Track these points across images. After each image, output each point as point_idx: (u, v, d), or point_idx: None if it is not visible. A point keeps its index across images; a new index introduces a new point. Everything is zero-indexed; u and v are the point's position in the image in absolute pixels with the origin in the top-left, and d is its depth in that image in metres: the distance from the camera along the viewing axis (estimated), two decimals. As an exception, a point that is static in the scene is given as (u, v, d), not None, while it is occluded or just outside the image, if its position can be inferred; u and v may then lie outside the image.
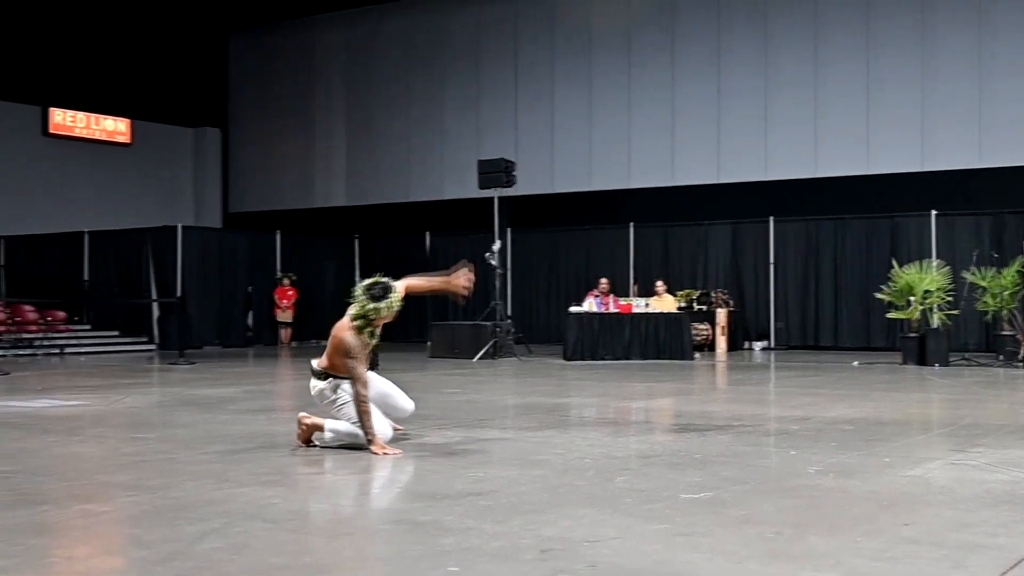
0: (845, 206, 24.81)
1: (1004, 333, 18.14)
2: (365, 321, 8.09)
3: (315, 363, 8.38)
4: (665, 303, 21.54)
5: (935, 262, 20.29)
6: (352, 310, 8.14)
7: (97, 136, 34.38)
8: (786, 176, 26.33)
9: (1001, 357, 18.03)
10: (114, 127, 34.75)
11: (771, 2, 26.77)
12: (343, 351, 8.02)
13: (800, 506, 5.86)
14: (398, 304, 8.21)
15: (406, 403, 8.65)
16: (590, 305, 20.76)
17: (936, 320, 18.61)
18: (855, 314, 24.05)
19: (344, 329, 8.12)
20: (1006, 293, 18.07)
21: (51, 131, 33.44)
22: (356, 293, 8.16)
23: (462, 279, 8.73)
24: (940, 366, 17.90)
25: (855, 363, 19.07)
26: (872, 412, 10.70)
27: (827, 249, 24.60)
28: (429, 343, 22.37)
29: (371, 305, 8.03)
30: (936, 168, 24.60)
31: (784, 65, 26.56)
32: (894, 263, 20.40)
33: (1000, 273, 18.40)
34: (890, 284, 19.58)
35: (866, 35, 25.48)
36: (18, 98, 32.73)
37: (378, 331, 8.29)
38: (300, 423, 8.35)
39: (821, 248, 24.66)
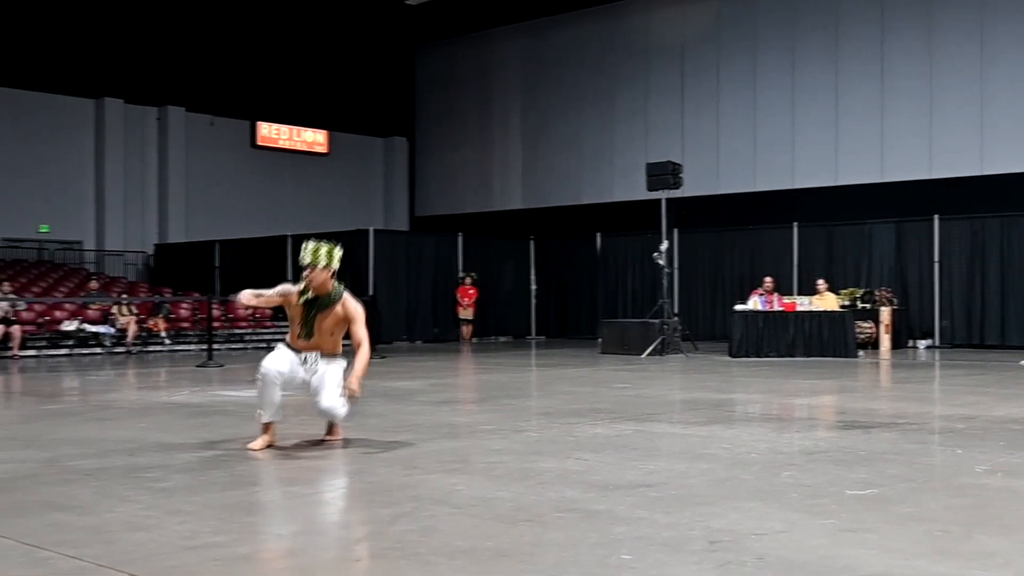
0: (1012, 203, 23.82)
1: None
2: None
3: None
4: (828, 302, 21.14)
5: None
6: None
7: (298, 147, 35.25)
8: (951, 174, 25.53)
9: None
10: (313, 138, 35.59)
11: (935, 1, 26.07)
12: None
13: (968, 505, 5.65)
14: (312, 255, 7.78)
15: (326, 401, 7.77)
16: (755, 303, 20.52)
17: None
18: (1022, 312, 23.18)
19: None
20: None
21: (258, 143, 34.45)
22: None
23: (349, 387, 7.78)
24: None
25: (1022, 362, 18.19)
26: None
27: (993, 247, 23.69)
28: (600, 340, 22.32)
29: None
30: None
31: (948, 62, 25.75)
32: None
33: None
34: None
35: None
36: (231, 113, 33.67)
37: (324, 302, 7.83)
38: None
39: (987, 246, 23.75)
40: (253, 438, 7.79)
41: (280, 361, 7.74)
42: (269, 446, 7.71)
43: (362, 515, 5.47)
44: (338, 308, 7.81)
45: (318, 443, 7.96)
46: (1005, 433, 8.53)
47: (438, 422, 9.56)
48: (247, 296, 8.06)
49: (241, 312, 26.99)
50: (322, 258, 7.68)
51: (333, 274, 7.77)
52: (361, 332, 7.87)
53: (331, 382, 7.72)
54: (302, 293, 7.76)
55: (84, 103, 31.37)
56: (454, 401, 12.17)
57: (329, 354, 7.88)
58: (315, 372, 7.79)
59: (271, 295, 7.98)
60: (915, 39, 26.29)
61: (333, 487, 6.24)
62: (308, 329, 7.78)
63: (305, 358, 7.81)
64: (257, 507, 5.76)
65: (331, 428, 8.09)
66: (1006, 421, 9.36)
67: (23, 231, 30.24)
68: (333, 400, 7.66)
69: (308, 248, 7.75)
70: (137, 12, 31.04)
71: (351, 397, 7.64)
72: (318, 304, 7.76)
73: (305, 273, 7.70)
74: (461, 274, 28.64)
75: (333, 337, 7.92)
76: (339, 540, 4.94)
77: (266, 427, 7.77)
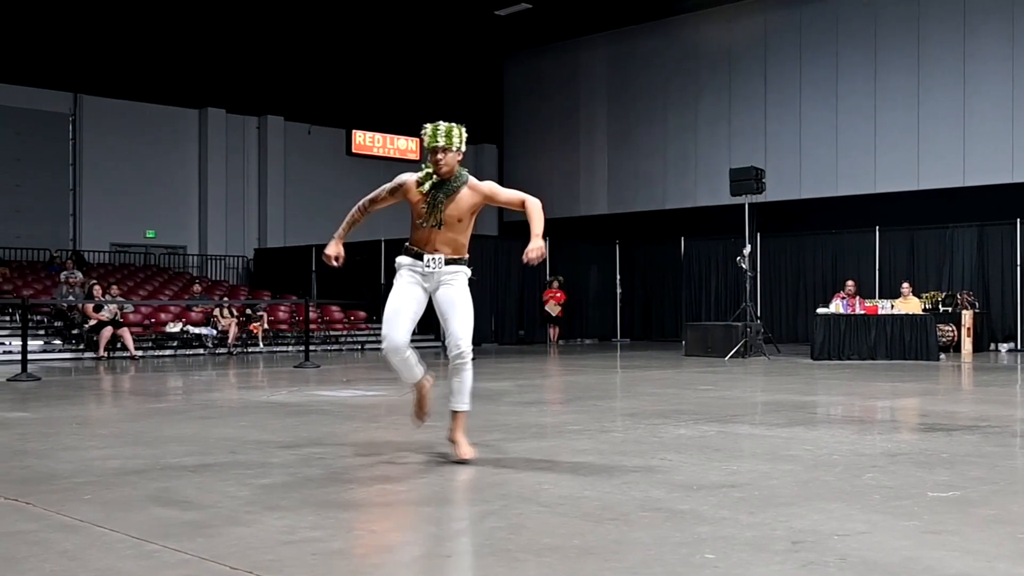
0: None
1: None
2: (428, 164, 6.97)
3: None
4: (910, 305, 20.90)
5: None
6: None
7: (391, 154, 35.57)
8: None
9: None
10: (406, 146, 35.91)
11: (1019, 3, 25.63)
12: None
13: None
14: (445, 134, 6.84)
15: (454, 337, 7.02)
16: (837, 306, 20.35)
17: None
18: (1108, 315, 22.81)
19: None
20: None
21: (353, 150, 34.86)
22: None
23: (533, 253, 6.95)
24: None
25: None
26: None
27: (1078, 249, 23.41)
28: (684, 342, 22.24)
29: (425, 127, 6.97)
30: None
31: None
32: None
33: None
34: None
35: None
36: (327, 122, 34.08)
37: (449, 188, 6.93)
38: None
39: (1070, 248, 23.48)
40: (344, 436, 7.81)
41: (401, 317, 6.94)
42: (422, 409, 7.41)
43: (452, 512, 5.50)
44: (465, 191, 6.95)
45: (404, 447, 7.97)
46: (1089, 437, 8.35)
47: (526, 422, 9.57)
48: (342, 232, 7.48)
49: (336, 315, 27.25)
50: (452, 138, 6.82)
51: (462, 156, 6.93)
52: (510, 192, 7.15)
53: (461, 306, 7.00)
54: (422, 182, 6.93)
55: (188, 113, 31.95)
56: (541, 402, 12.18)
57: (454, 256, 6.98)
58: (439, 284, 6.98)
59: (381, 194, 7.19)
60: (997, 43, 25.91)
61: (424, 485, 6.26)
62: (437, 217, 6.88)
63: (428, 262, 6.91)
64: (352, 504, 5.80)
65: (453, 423, 7.16)
66: (1090, 424, 9.16)
67: (130, 237, 30.90)
68: (466, 331, 6.99)
69: (439, 130, 6.83)
70: (239, 26, 31.59)
71: (530, 261, 6.95)
72: (445, 188, 6.90)
73: (438, 157, 6.82)
74: (549, 277, 28.68)
75: (461, 225, 6.98)
76: (430, 536, 4.97)
77: (419, 389, 7.33)
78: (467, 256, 7.12)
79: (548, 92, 36.44)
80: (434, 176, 6.89)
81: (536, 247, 6.90)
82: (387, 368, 7.26)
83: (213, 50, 31.63)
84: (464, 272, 7.07)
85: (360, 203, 7.31)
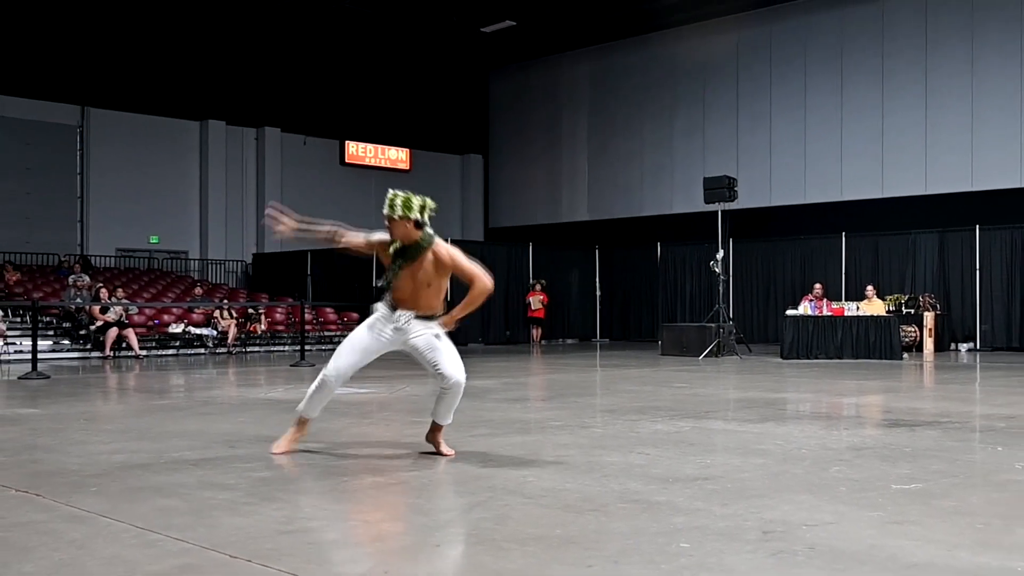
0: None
1: None
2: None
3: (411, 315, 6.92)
4: (875, 307, 20.96)
5: None
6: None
7: (383, 164, 35.61)
8: (991, 186, 25.25)
9: None
10: (396, 156, 35.92)
11: (978, 21, 25.70)
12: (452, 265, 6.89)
13: (1008, 499, 5.55)
14: (401, 205, 6.78)
15: (448, 368, 6.93)
16: (805, 308, 20.38)
17: None
18: (1061, 317, 22.81)
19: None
20: None
21: (347, 160, 34.91)
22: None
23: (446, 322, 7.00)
24: None
25: None
26: None
27: (1033, 255, 23.45)
28: (660, 342, 22.27)
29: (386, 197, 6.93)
30: None
31: (990, 81, 25.49)
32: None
33: None
34: None
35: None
36: (322, 133, 34.16)
37: (414, 252, 6.87)
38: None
39: (1027, 254, 23.53)
40: (338, 432, 7.80)
41: (354, 353, 7.05)
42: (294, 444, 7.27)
43: (441, 504, 5.50)
44: (428, 256, 6.83)
45: (396, 443, 7.97)
46: (1044, 432, 8.36)
47: (510, 418, 9.57)
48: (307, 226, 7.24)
49: (331, 316, 27.22)
50: (398, 209, 6.76)
51: (416, 224, 6.80)
52: (469, 268, 6.91)
53: (443, 345, 6.93)
54: (388, 245, 6.95)
55: (190, 125, 31.98)
56: (525, 399, 12.18)
57: (425, 314, 6.92)
58: (412, 335, 6.89)
59: (358, 241, 7.13)
60: (958, 59, 26.00)
61: (414, 478, 6.26)
62: (396, 281, 6.90)
63: (399, 316, 6.90)
64: (346, 495, 5.80)
65: (435, 433, 7.17)
66: (1044, 420, 9.17)
67: (135, 242, 30.93)
68: (458, 367, 6.90)
69: (396, 201, 6.82)
70: (238, 42, 31.65)
71: (440, 329, 6.91)
72: (408, 253, 6.86)
73: (392, 227, 6.85)
74: (532, 281, 28.71)
75: (430, 290, 6.91)
76: (420, 527, 4.96)
77: (302, 423, 7.31)
78: (440, 311, 7.04)
79: (531, 104, 36.47)
80: (396, 242, 6.91)
81: (447, 321, 6.98)
82: (312, 388, 7.20)
83: (213, 65, 31.67)
84: (435, 325, 6.96)
85: (339, 232, 7.16)
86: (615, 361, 20.11)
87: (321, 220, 7.27)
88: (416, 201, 6.83)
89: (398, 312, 6.91)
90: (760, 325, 27.30)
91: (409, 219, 6.79)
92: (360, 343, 7.05)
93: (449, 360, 6.91)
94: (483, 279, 6.92)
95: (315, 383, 7.14)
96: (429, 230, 6.90)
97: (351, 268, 29.86)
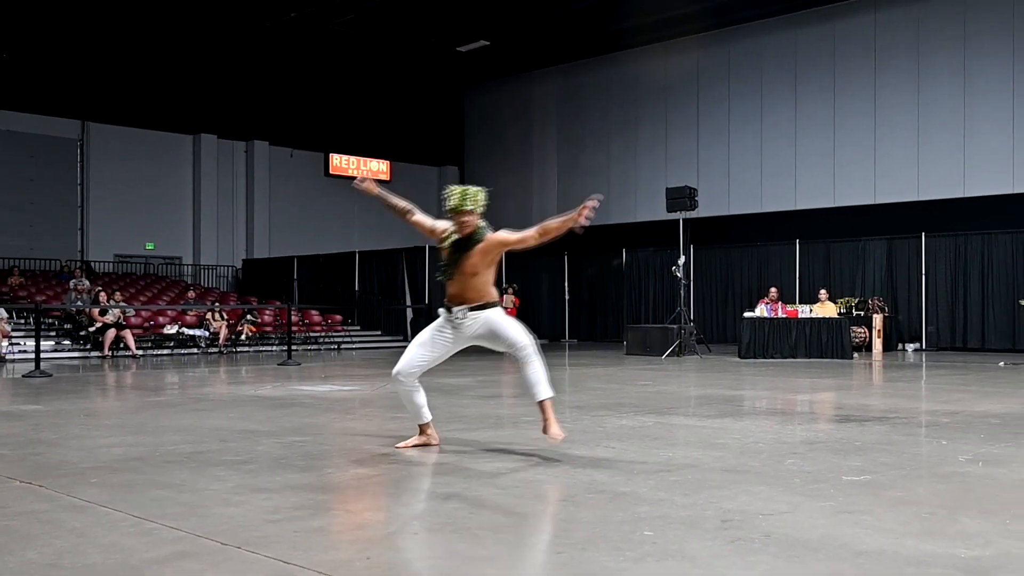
0: (992, 222, 23.61)
1: None
2: (453, 211, 6.72)
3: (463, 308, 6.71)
4: (827, 309, 21.02)
5: None
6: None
7: (365, 175, 35.37)
8: (937, 196, 25.38)
9: None
10: (377, 167, 35.86)
11: (923, 40, 25.84)
12: (499, 247, 6.76)
13: (952, 490, 5.55)
14: (473, 198, 6.65)
15: (518, 341, 6.75)
16: (761, 311, 20.42)
17: None
18: (1001, 319, 22.91)
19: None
20: None
21: (331, 172, 34.88)
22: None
23: (584, 211, 6.63)
24: None
25: (1001, 363, 17.92)
26: (1018, 407, 9.96)
27: (974, 261, 23.52)
28: (625, 342, 22.28)
29: (451, 191, 6.75)
30: None
31: (935, 97, 25.62)
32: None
33: None
34: None
35: (1011, 63, 24.28)
36: (308, 146, 34.21)
37: (468, 243, 6.70)
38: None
39: (969, 260, 23.59)
40: (322, 427, 7.79)
41: (416, 349, 6.84)
42: (425, 445, 7.10)
43: (419, 494, 5.48)
44: (481, 247, 6.71)
45: (383, 436, 7.92)
46: (985, 427, 8.40)
47: (485, 414, 9.55)
48: (372, 185, 7.13)
49: (316, 318, 27.17)
50: (469, 202, 6.63)
51: (478, 216, 6.71)
52: (517, 237, 6.81)
53: (506, 323, 6.73)
54: (446, 238, 6.79)
55: (183, 138, 31.99)
56: (498, 396, 12.15)
57: (478, 304, 6.68)
58: (471, 327, 6.71)
59: (427, 220, 7.02)
60: (904, 77, 26.15)
61: (394, 470, 6.24)
62: (451, 272, 6.73)
63: (456, 313, 6.69)
64: (330, 487, 5.77)
65: (544, 414, 6.72)
66: (986, 416, 9.22)
67: (132, 248, 30.96)
68: (520, 335, 6.69)
69: (467, 195, 6.65)
70: (230, 60, 31.67)
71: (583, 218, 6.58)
72: (462, 247, 6.71)
73: (463, 220, 6.66)
74: (504, 285, 28.69)
75: (477, 279, 6.69)
76: (400, 516, 4.95)
77: (422, 428, 7.18)
78: (493, 296, 6.80)
79: (504, 119, 36.48)
80: (455, 235, 6.73)
81: (584, 208, 6.60)
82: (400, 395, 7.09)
83: (206, 82, 31.68)
84: (492, 310, 6.76)
85: (411, 208, 7.11)
86: (583, 360, 20.11)
87: (397, 196, 7.22)
88: (482, 193, 6.77)
89: (454, 310, 6.72)
90: (719, 326, 27.35)
91: (477, 211, 6.71)
92: (421, 338, 6.89)
93: (514, 330, 6.71)
94: (538, 227, 6.79)
95: (397, 390, 7.06)
96: (483, 221, 6.82)
97: (337, 273, 29.87)
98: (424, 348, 6.83)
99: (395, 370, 6.91)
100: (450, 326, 6.77)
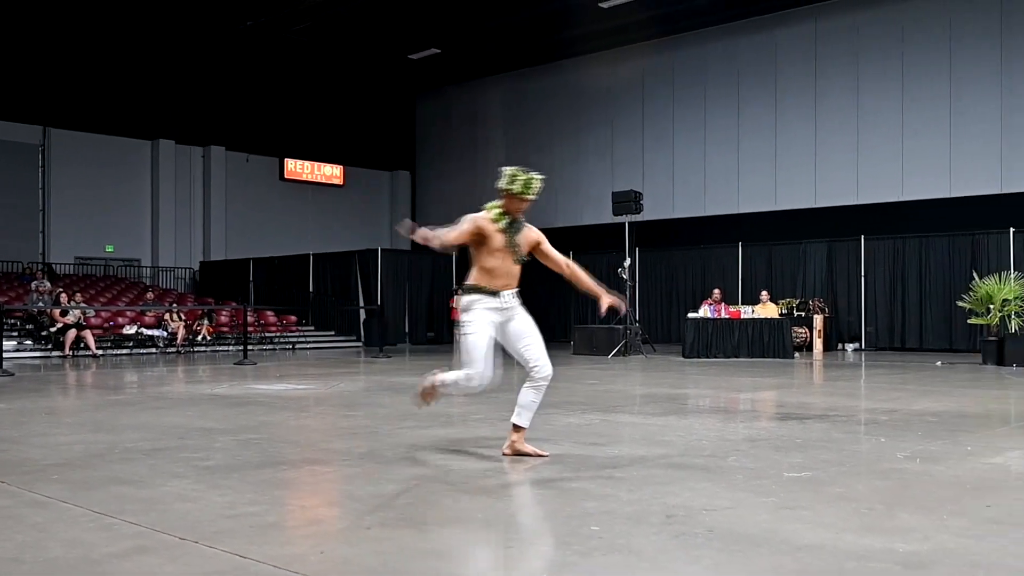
0: (928, 226, 23.86)
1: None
2: (502, 205, 6.51)
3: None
4: (769, 310, 21.13)
5: (1013, 274, 19.10)
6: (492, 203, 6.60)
7: (318, 179, 35.47)
8: (875, 200, 25.63)
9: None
10: (331, 172, 35.75)
11: (861, 48, 26.11)
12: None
13: (890, 487, 5.56)
14: (537, 188, 6.54)
15: (542, 361, 6.56)
16: (705, 312, 20.51)
17: (1014, 325, 17.24)
18: (938, 320, 23.11)
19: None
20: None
21: (285, 176, 34.81)
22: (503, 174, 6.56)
23: (615, 301, 6.78)
24: (1018, 366, 16.46)
25: (938, 363, 18.04)
26: (955, 406, 10.00)
27: (913, 263, 23.75)
28: (572, 342, 22.31)
29: (514, 175, 6.53)
30: (1015, 190, 23.37)
31: (873, 104, 25.88)
32: (975, 275, 19.41)
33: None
34: (971, 293, 18.41)
35: (948, 71, 24.56)
36: (263, 152, 34.10)
37: (519, 227, 6.52)
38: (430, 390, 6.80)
39: (907, 262, 23.82)
40: (277, 425, 7.71)
41: (488, 358, 6.42)
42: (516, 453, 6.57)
43: (372, 490, 5.43)
44: (526, 230, 6.61)
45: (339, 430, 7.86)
46: (922, 425, 8.44)
47: (435, 412, 9.49)
48: (427, 234, 6.32)
49: (271, 319, 27.02)
50: (531, 192, 6.50)
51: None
52: (554, 252, 6.74)
53: (536, 332, 6.54)
54: (497, 220, 6.47)
55: (142, 144, 31.91)
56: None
57: (517, 288, 6.53)
58: (510, 316, 6.48)
59: (462, 238, 6.44)
60: (844, 84, 26.41)
61: (347, 466, 6.20)
62: (518, 253, 6.47)
63: (505, 298, 6.42)
64: (285, 483, 5.73)
65: (519, 435, 6.59)
66: (923, 414, 9.27)
67: (92, 251, 30.82)
68: (546, 356, 6.54)
69: (532, 184, 6.51)
70: (187, 68, 31.62)
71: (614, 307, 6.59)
72: (516, 226, 6.50)
73: (525, 207, 6.51)
74: (455, 286, 28.67)
75: (520, 266, 6.57)
76: (353, 511, 4.91)
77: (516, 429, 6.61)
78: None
79: (454, 125, 36.47)
80: (507, 216, 6.47)
81: (614, 302, 6.73)
82: (453, 392, 6.76)
83: (164, 89, 31.56)
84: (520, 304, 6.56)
85: (445, 239, 6.38)
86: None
87: (433, 234, 6.53)
88: (536, 181, 6.57)
89: (504, 294, 6.42)
90: (664, 327, 27.46)
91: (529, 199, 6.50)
92: (479, 344, 6.37)
93: (541, 347, 6.51)
94: (562, 260, 6.80)
95: (466, 391, 6.57)
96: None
97: (291, 275, 29.71)
98: (490, 351, 6.43)
99: (480, 384, 6.41)
100: (497, 314, 6.44)
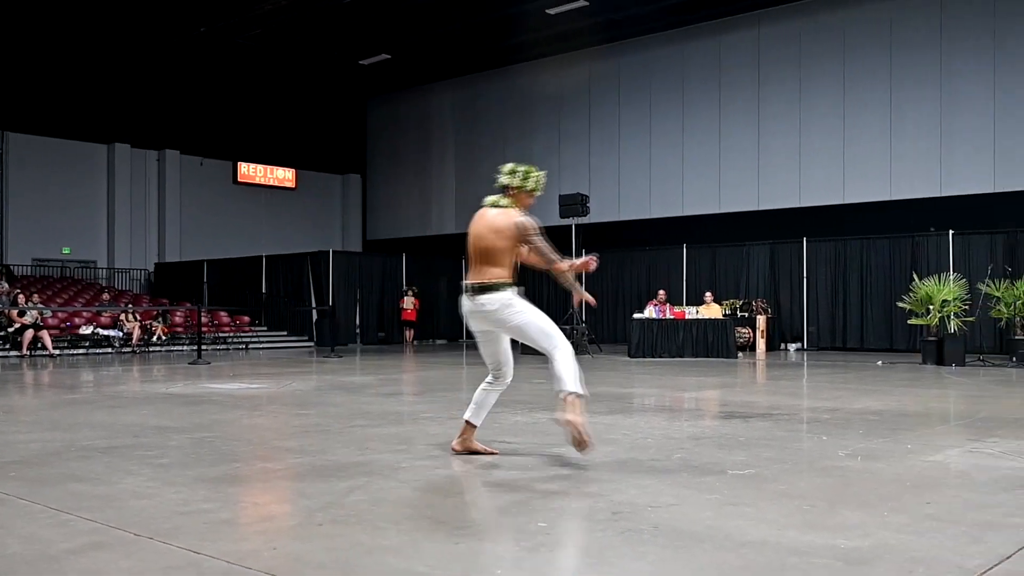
0: (869, 228, 24.04)
1: (1017, 337, 16.84)
2: (514, 202, 6.47)
3: (472, 282, 6.51)
4: (712, 311, 21.18)
5: (952, 275, 19.21)
6: (492, 199, 6.57)
7: (271, 183, 35.32)
8: (817, 203, 25.86)
9: (1014, 359, 16.71)
10: (283, 175, 35.58)
11: (804, 53, 26.38)
12: (519, 236, 6.33)
13: (832, 484, 5.57)
14: (543, 182, 6.53)
15: (512, 367, 6.74)
16: (650, 312, 20.56)
17: (953, 326, 17.34)
18: (879, 320, 23.23)
19: (501, 216, 6.39)
20: (1019, 302, 16.90)
21: (239, 179, 34.61)
22: (502, 170, 6.55)
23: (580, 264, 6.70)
24: (957, 366, 16.57)
25: (879, 363, 18.12)
26: (895, 405, 10.05)
27: (854, 265, 23.86)
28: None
29: (527, 172, 6.46)
30: (953, 193, 23.68)
31: (816, 109, 26.13)
32: (915, 276, 19.59)
33: (1014, 284, 17.30)
34: (911, 294, 18.47)
35: (889, 77, 24.87)
36: (217, 155, 33.93)
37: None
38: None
39: (849, 264, 23.93)
40: (230, 423, 7.61)
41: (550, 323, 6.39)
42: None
43: (323, 488, 5.39)
44: None
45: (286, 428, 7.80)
46: (863, 423, 8.46)
47: (386, 410, 9.49)
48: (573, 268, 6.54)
49: (225, 319, 26.85)
50: (543, 186, 6.54)
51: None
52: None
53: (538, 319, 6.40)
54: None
55: (98, 147, 31.74)
56: (399, 393, 12.09)
57: None
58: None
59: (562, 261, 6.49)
60: (787, 89, 26.64)
61: (299, 464, 6.16)
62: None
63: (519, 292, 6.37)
64: (238, 480, 5.69)
65: (468, 436, 6.52)
66: (864, 413, 9.31)
67: (49, 252, 30.62)
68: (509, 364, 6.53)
69: (533, 176, 6.51)
70: (142, 73, 31.47)
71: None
72: None
73: (531, 202, 6.54)
74: (405, 287, 28.61)
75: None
76: (304, 508, 4.88)
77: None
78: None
79: (405, 129, 36.40)
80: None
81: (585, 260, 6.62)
82: (571, 364, 6.43)
83: (120, 94, 31.36)
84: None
85: (551, 259, 6.48)
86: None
87: (569, 264, 6.72)
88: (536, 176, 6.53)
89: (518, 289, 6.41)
90: (610, 327, 27.52)
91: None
92: (543, 315, 6.50)
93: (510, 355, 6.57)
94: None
95: (570, 358, 6.34)
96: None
97: (244, 276, 29.50)
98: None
99: (567, 346, 6.35)
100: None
